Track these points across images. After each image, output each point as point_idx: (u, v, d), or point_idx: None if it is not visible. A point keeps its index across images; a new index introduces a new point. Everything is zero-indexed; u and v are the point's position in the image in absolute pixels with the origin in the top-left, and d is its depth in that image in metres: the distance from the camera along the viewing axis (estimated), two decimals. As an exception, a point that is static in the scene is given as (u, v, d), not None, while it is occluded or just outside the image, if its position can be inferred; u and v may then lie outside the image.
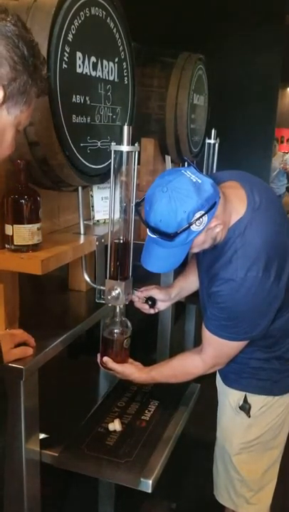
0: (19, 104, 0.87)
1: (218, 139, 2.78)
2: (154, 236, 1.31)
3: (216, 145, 2.78)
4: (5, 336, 1.32)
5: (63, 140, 1.35)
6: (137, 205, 1.41)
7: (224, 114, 3.42)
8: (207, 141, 2.80)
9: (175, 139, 2.71)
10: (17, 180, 1.34)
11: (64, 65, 1.31)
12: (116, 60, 1.61)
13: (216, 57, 3.17)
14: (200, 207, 1.27)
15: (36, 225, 1.35)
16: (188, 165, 1.39)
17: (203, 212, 1.27)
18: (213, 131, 2.76)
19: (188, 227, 1.27)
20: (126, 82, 1.70)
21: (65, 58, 1.31)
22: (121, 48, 1.63)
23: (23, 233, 1.32)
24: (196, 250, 1.41)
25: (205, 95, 3.01)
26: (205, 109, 3.06)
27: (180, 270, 1.86)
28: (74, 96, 1.39)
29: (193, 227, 1.28)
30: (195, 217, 1.27)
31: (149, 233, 1.34)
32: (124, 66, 1.67)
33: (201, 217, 1.27)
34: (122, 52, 1.64)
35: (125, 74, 1.69)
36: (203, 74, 2.90)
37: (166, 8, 3.38)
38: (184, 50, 2.79)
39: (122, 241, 1.48)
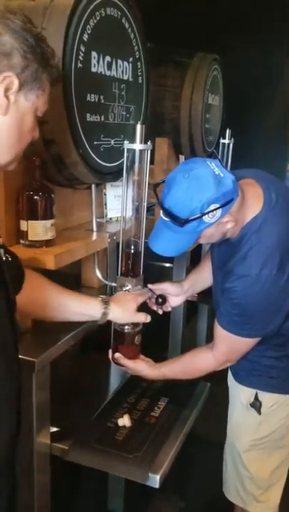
0: (34, 90, 0.93)
1: (232, 139, 2.78)
2: (166, 219, 1.33)
3: (230, 145, 2.78)
4: (129, 296, 1.50)
5: (77, 138, 1.38)
6: (156, 185, 1.42)
7: (240, 114, 3.41)
8: (221, 141, 2.79)
9: (189, 138, 2.71)
10: (32, 177, 1.37)
11: (79, 64, 1.33)
12: (130, 59, 1.62)
13: (232, 56, 3.17)
14: (216, 200, 1.28)
15: (50, 221, 1.37)
16: (215, 158, 1.41)
17: (218, 205, 1.29)
18: (227, 131, 2.76)
19: (201, 216, 1.28)
20: (140, 82, 1.72)
21: (81, 58, 1.34)
22: (136, 48, 1.65)
23: (37, 229, 1.35)
24: (203, 241, 1.43)
25: (220, 95, 3.01)
26: (220, 109, 3.06)
27: (193, 267, 1.87)
28: (88, 95, 1.41)
29: (205, 218, 1.30)
30: (209, 209, 1.28)
31: (161, 215, 1.36)
32: (139, 66, 1.69)
33: (215, 210, 1.29)
34: (137, 52, 1.66)
35: (139, 73, 1.70)
36: (218, 74, 2.91)
37: (181, 7, 3.39)
38: (199, 50, 2.80)
39: (133, 238, 1.50)
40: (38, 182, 1.37)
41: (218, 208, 1.29)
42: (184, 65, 2.70)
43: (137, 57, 1.67)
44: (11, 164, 0.98)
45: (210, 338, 1.58)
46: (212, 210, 1.29)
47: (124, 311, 1.46)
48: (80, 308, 1.38)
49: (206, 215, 1.29)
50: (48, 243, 1.38)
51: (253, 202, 1.41)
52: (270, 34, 3.37)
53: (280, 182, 1.57)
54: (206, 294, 1.81)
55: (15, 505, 1.02)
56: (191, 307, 2.85)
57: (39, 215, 1.35)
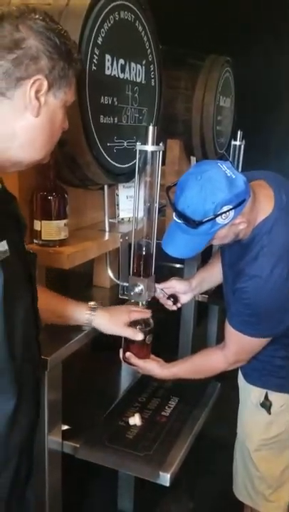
0: (62, 88, 0.95)
1: (243, 141, 2.78)
2: (179, 221, 1.35)
3: (242, 146, 2.78)
4: (125, 309, 1.49)
5: (91, 139, 1.39)
6: (169, 188, 1.44)
7: (252, 116, 3.41)
8: (233, 142, 2.80)
9: (201, 140, 2.71)
10: (46, 178, 1.39)
11: (93, 67, 1.35)
12: (144, 62, 1.64)
13: (244, 58, 3.17)
14: (229, 201, 1.29)
15: (63, 221, 1.39)
16: (226, 160, 1.42)
17: (230, 206, 1.30)
18: (239, 132, 2.76)
19: (214, 218, 1.30)
20: (153, 84, 1.73)
21: (95, 61, 1.36)
22: (149, 51, 1.67)
23: (50, 229, 1.37)
24: (216, 243, 1.44)
25: (232, 97, 3.01)
26: (231, 111, 3.05)
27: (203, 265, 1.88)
28: (102, 97, 1.43)
29: (219, 220, 1.31)
30: (222, 210, 1.30)
31: (174, 217, 1.37)
32: (152, 68, 1.70)
33: (228, 211, 1.30)
34: (150, 55, 1.68)
35: (152, 76, 1.72)
36: (230, 76, 2.91)
37: (194, 10, 3.40)
38: (211, 52, 2.80)
39: (145, 239, 1.51)
40: (51, 182, 1.39)
41: (230, 209, 1.30)
42: (196, 67, 2.70)
43: (150, 60, 1.68)
44: (45, 158, 1.01)
45: (220, 339, 1.59)
46: (225, 212, 1.30)
47: (111, 320, 1.45)
48: (66, 311, 1.39)
49: (219, 217, 1.30)
50: (61, 243, 1.40)
51: (265, 203, 1.42)
52: (282, 35, 3.37)
53: None
54: (216, 295, 1.82)
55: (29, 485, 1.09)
56: (201, 308, 2.85)
57: (53, 215, 1.37)
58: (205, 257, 2.49)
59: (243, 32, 3.42)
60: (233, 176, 1.32)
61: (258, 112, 3.49)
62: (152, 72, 1.71)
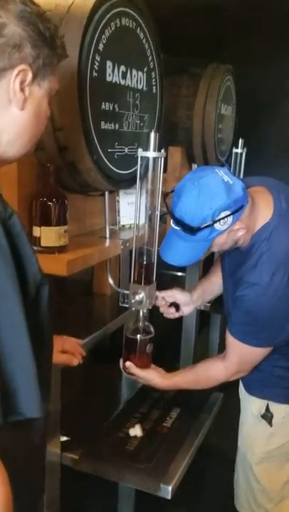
0: (47, 77, 0.90)
1: (245, 149, 2.78)
2: (177, 228, 1.33)
3: (243, 154, 2.77)
4: (56, 338, 1.33)
5: (92, 145, 1.38)
6: (166, 195, 1.42)
7: (253, 124, 3.41)
8: (234, 150, 2.79)
9: (202, 147, 2.72)
10: (46, 184, 1.37)
11: (94, 73, 1.34)
12: (145, 69, 1.63)
13: (246, 67, 3.18)
14: (227, 207, 1.28)
15: (63, 228, 1.37)
16: (223, 165, 1.41)
17: (229, 212, 1.28)
18: (240, 140, 2.76)
19: (212, 224, 1.28)
20: (154, 91, 1.73)
21: (96, 67, 1.35)
22: (150, 58, 1.66)
23: (50, 235, 1.35)
24: (215, 249, 1.42)
25: (233, 105, 3.01)
26: (232, 119, 3.06)
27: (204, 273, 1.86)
28: (103, 103, 1.42)
29: (217, 226, 1.30)
30: (220, 216, 1.28)
31: (172, 224, 1.36)
32: (153, 75, 1.70)
33: (226, 217, 1.29)
34: (151, 62, 1.67)
35: (154, 83, 1.71)
36: (231, 84, 2.91)
37: (195, 19, 3.41)
38: (213, 60, 2.81)
39: (146, 245, 1.49)
40: (51, 188, 1.37)
41: (229, 215, 1.29)
42: (198, 75, 2.71)
43: (152, 67, 1.68)
44: (31, 150, 0.96)
45: (222, 348, 1.57)
46: (223, 218, 1.29)
47: None
48: None
49: (218, 223, 1.29)
50: (60, 249, 1.38)
51: (264, 209, 1.40)
52: (284, 44, 3.37)
53: None
54: (218, 304, 1.80)
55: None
56: (203, 317, 2.83)
57: (52, 221, 1.35)
58: (207, 265, 2.48)
59: (244, 41, 3.43)
60: (231, 182, 1.31)
61: (258, 120, 3.49)
62: (154, 79, 1.70)
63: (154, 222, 1.48)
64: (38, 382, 0.82)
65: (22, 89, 0.85)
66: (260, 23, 3.37)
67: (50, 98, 0.94)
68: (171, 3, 2.99)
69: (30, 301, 0.84)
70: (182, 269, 2.62)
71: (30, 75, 0.85)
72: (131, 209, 1.77)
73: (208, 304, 2.39)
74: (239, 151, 2.77)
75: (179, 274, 2.79)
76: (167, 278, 2.67)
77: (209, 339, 3.36)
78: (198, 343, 2.70)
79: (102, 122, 1.42)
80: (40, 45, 0.86)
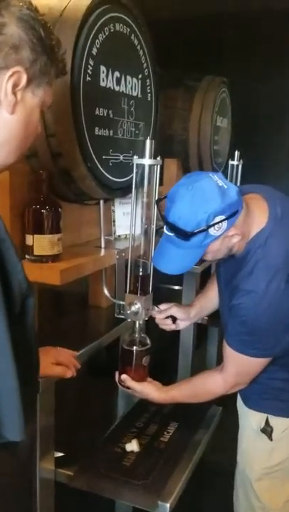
0: (42, 85, 0.87)
1: (241, 161, 2.78)
2: (171, 234, 1.30)
3: (239, 166, 2.77)
4: (50, 350, 1.31)
5: (86, 152, 1.36)
6: (159, 200, 1.39)
7: (249, 136, 3.42)
8: (230, 162, 2.79)
9: (198, 160, 2.72)
10: (39, 191, 1.34)
11: (88, 78, 1.33)
12: (140, 76, 1.62)
13: (241, 79, 3.21)
14: (222, 211, 1.25)
15: (57, 236, 1.34)
16: (216, 171, 1.39)
17: (223, 217, 1.26)
18: (236, 152, 2.76)
19: (207, 229, 1.26)
20: (149, 99, 1.72)
21: (89, 71, 1.33)
22: (145, 65, 1.65)
23: (43, 243, 1.32)
24: (209, 257, 1.39)
25: (228, 118, 3.03)
26: (228, 132, 3.08)
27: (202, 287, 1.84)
28: (97, 109, 1.40)
29: (211, 231, 1.27)
30: (215, 221, 1.25)
31: (165, 231, 1.33)
32: (148, 83, 1.69)
33: (220, 221, 1.26)
34: (146, 70, 1.66)
35: (148, 91, 1.70)
36: (226, 97, 2.93)
37: (190, 33, 3.45)
38: (208, 73, 2.83)
39: (142, 260, 1.47)
40: (44, 195, 1.34)
41: (223, 220, 1.26)
42: (193, 88, 2.73)
43: (146, 74, 1.67)
44: (15, 164, 0.93)
45: (220, 361, 1.54)
46: (218, 222, 1.26)
47: None
48: None
49: (212, 228, 1.26)
50: (54, 258, 1.35)
51: (258, 215, 1.38)
52: (279, 56, 3.41)
53: (285, 197, 1.54)
54: (215, 317, 1.78)
55: None
56: (200, 330, 2.80)
57: (45, 229, 1.32)
58: (204, 279, 2.45)
59: (239, 53, 3.46)
60: (225, 186, 1.29)
61: (253, 132, 3.50)
62: (148, 87, 1.69)
63: (150, 234, 1.46)
64: (22, 405, 0.78)
65: (14, 93, 0.83)
66: (258, 35, 3.41)
67: (41, 113, 0.92)
68: (168, 15, 3.02)
69: (15, 316, 0.80)
70: (179, 282, 2.60)
71: (24, 79, 0.84)
72: (126, 219, 1.75)
73: (206, 318, 2.36)
74: (235, 163, 2.78)
75: (176, 287, 2.76)
76: (164, 292, 2.64)
77: (207, 352, 3.34)
78: (196, 357, 2.68)
79: (96, 128, 1.40)
80: (39, 51, 0.84)
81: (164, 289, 2.73)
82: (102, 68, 1.39)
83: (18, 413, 0.78)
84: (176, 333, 1.78)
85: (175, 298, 2.61)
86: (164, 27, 2.90)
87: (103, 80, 1.41)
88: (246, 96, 3.31)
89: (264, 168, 3.34)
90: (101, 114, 1.42)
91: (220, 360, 1.53)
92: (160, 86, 1.77)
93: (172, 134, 2.70)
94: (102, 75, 1.40)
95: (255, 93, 3.41)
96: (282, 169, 3.49)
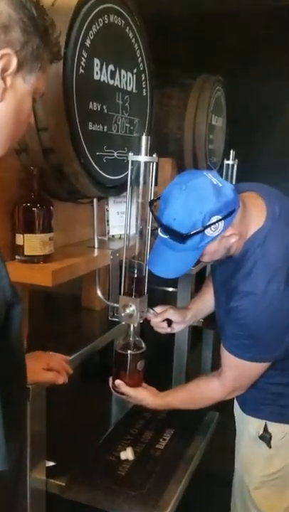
0: (34, 71, 0.81)
1: (236, 160, 2.74)
2: (165, 236, 1.26)
3: (235, 166, 2.74)
4: (41, 355, 1.26)
5: (79, 147, 1.31)
6: (152, 201, 1.35)
7: (244, 136, 3.41)
8: (225, 162, 2.76)
9: (193, 159, 2.69)
10: (29, 188, 1.30)
11: (81, 70, 1.28)
12: (134, 70, 1.58)
13: (236, 78, 3.19)
14: (217, 211, 1.21)
15: (48, 235, 1.30)
16: (210, 169, 1.34)
17: (220, 217, 1.21)
18: (231, 152, 2.73)
19: (203, 230, 1.21)
20: (144, 94, 1.67)
21: (82, 63, 1.29)
22: (140, 59, 1.61)
23: (34, 243, 1.28)
24: (206, 259, 1.34)
25: (223, 117, 3.01)
26: (223, 131, 3.06)
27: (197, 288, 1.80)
28: (91, 103, 1.36)
29: (208, 232, 1.22)
30: (211, 221, 1.21)
31: (160, 233, 1.28)
32: (143, 78, 1.65)
33: (217, 222, 1.21)
34: (141, 64, 1.62)
35: (144, 85, 1.66)
36: (221, 95, 2.91)
37: (186, 31, 3.43)
38: (204, 72, 2.80)
39: (137, 259, 1.42)
40: (35, 193, 1.30)
41: (220, 220, 1.22)
42: (188, 86, 2.71)
43: (141, 68, 1.63)
44: (4, 156, 0.86)
45: (215, 364, 1.50)
46: (214, 223, 1.21)
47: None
48: None
49: (208, 228, 1.22)
50: (45, 258, 1.30)
51: (256, 214, 1.34)
52: (274, 56, 3.39)
53: (283, 195, 1.50)
54: (211, 319, 1.75)
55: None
56: (196, 333, 2.76)
57: (37, 228, 1.28)
58: (199, 280, 2.41)
59: (234, 52, 3.45)
60: (220, 185, 1.24)
61: (249, 132, 3.49)
62: (144, 82, 1.65)
63: (146, 235, 1.42)
64: (5, 432, 0.73)
65: (3, 78, 0.76)
66: (257, 34, 3.39)
67: (33, 101, 0.85)
68: (163, 13, 2.98)
69: None
70: (174, 284, 2.56)
71: (14, 63, 0.77)
72: (121, 219, 1.71)
73: (201, 320, 2.32)
74: (230, 162, 2.74)
75: (171, 289, 2.73)
76: (159, 294, 2.60)
77: (202, 356, 3.30)
78: (191, 360, 2.63)
79: (90, 123, 1.36)
80: (31, 32, 0.77)
81: (159, 291, 2.69)
82: (96, 61, 1.34)
83: (2, 444, 0.73)
84: (171, 337, 1.74)
85: (170, 300, 2.58)
86: (161, 24, 2.86)
87: (97, 73, 1.36)
88: (241, 95, 3.30)
89: (259, 168, 3.31)
90: (95, 109, 1.37)
91: (215, 363, 1.49)
92: (156, 86, 1.73)
93: (167, 132, 2.68)
94: (96, 68, 1.35)
95: (250, 92, 3.39)
96: (277, 169, 3.47)
